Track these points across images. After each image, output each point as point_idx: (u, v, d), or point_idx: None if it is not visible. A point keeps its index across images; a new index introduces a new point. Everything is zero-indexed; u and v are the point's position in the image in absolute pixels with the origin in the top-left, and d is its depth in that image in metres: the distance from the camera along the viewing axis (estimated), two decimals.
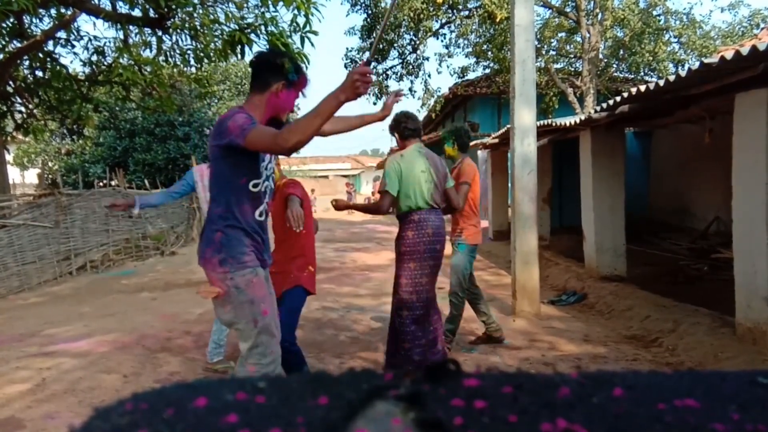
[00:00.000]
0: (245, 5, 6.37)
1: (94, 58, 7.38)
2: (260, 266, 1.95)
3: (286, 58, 1.90)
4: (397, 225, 2.99)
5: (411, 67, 13.03)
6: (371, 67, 1.63)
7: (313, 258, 2.83)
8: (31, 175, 19.29)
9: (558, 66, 12.55)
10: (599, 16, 10.68)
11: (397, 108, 2.67)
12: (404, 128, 3.01)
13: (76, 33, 7.39)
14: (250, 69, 1.96)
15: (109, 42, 7.40)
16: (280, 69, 1.87)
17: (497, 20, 10.06)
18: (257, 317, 1.88)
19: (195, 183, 3.31)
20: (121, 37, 6.67)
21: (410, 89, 13.61)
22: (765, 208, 3.16)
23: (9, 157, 15.00)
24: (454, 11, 11.98)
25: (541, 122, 6.27)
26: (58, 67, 7.22)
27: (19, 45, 6.75)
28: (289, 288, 2.68)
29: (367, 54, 1.94)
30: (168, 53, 6.81)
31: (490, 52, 12.18)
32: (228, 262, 1.84)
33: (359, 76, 1.56)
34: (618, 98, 4.55)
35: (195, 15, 5.98)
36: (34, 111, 8.27)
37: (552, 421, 0.21)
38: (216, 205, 1.88)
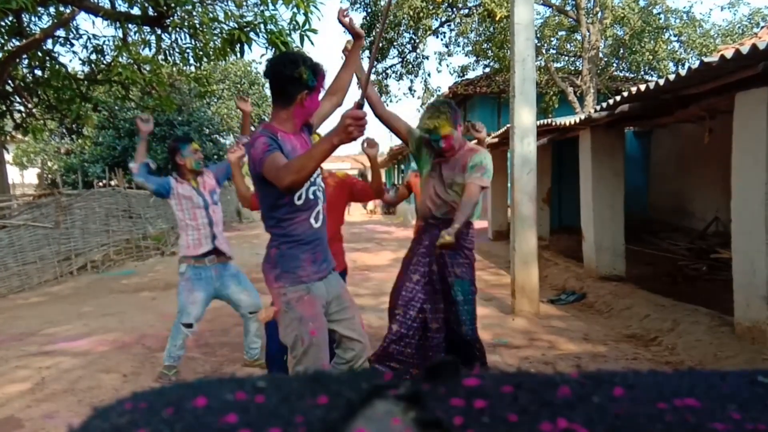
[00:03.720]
0: (244, 3, 6.36)
1: (93, 56, 7.37)
2: (318, 280, 1.91)
3: (302, 65, 1.82)
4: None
5: (411, 65, 13.02)
6: (363, 108, 1.49)
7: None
8: (31, 175, 19.29)
9: (558, 65, 12.54)
10: (599, 14, 10.68)
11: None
12: None
13: (75, 31, 7.37)
14: (267, 81, 1.90)
15: (108, 41, 7.39)
16: (300, 80, 1.81)
17: (497, 19, 10.05)
18: (304, 336, 1.84)
19: (171, 191, 3.09)
20: (120, 35, 6.65)
21: (410, 88, 13.61)
22: (764, 208, 3.16)
23: (8, 157, 14.98)
24: (454, 9, 11.97)
25: (541, 121, 6.27)
26: (57, 66, 7.20)
27: (18, 44, 6.73)
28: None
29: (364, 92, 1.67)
30: (167, 52, 6.80)
31: (490, 51, 12.17)
32: (283, 277, 1.85)
33: (352, 121, 1.45)
34: (618, 97, 4.55)
35: (194, 13, 5.97)
36: (33, 110, 8.26)
37: (552, 420, 0.21)
38: (269, 223, 1.89)
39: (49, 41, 7.00)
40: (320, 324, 1.90)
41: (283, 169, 1.64)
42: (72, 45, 7.51)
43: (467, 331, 2.56)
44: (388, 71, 13.23)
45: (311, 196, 1.91)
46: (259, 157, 1.71)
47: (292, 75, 1.80)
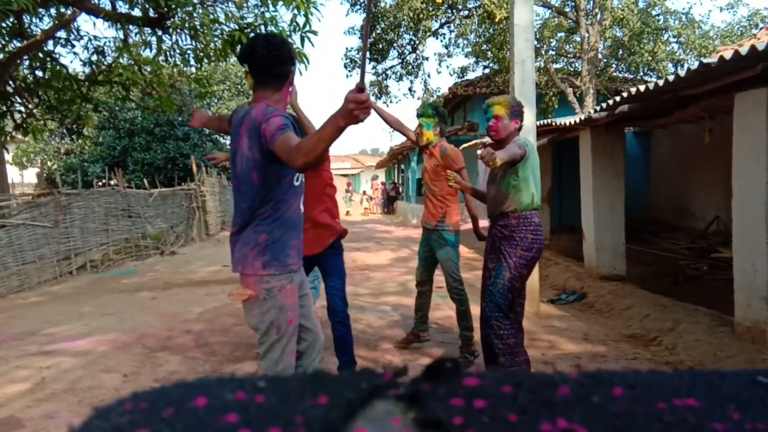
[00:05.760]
0: (245, 5, 6.37)
1: (94, 57, 7.37)
2: (299, 269, 1.93)
3: (289, 42, 1.89)
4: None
5: (411, 67, 13.03)
6: (365, 91, 1.49)
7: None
8: (30, 175, 19.29)
9: (557, 66, 12.56)
10: (598, 15, 10.68)
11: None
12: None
13: (76, 33, 7.38)
14: (258, 66, 1.84)
15: (109, 42, 7.39)
16: (294, 58, 1.86)
17: (496, 20, 10.06)
18: (281, 324, 1.85)
19: None
20: (121, 36, 6.66)
21: (410, 89, 13.62)
22: (765, 208, 3.16)
23: (8, 157, 14.99)
24: (454, 11, 11.98)
25: (541, 122, 6.27)
26: (58, 67, 7.20)
27: (18, 45, 6.74)
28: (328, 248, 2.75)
29: (360, 79, 1.70)
30: (168, 53, 6.81)
31: (489, 52, 12.18)
32: (272, 265, 1.82)
33: (355, 105, 1.46)
34: (617, 98, 4.55)
35: (195, 15, 5.97)
36: (34, 111, 8.26)
37: (552, 420, 0.21)
38: (260, 206, 1.82)
39: (50, 42, 7.01)
40: (296, 313, 1.91)
41: (294, 150, 1.61)
42: (73, 46, 7.52)
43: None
44: (388, 72, 13.25)
45: (303, 180, 1.94)
46: (272, 133, 1.68)
47: (289, 55, 1.84)
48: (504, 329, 2.63)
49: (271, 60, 1.82)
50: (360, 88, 1.49)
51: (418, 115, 3.24)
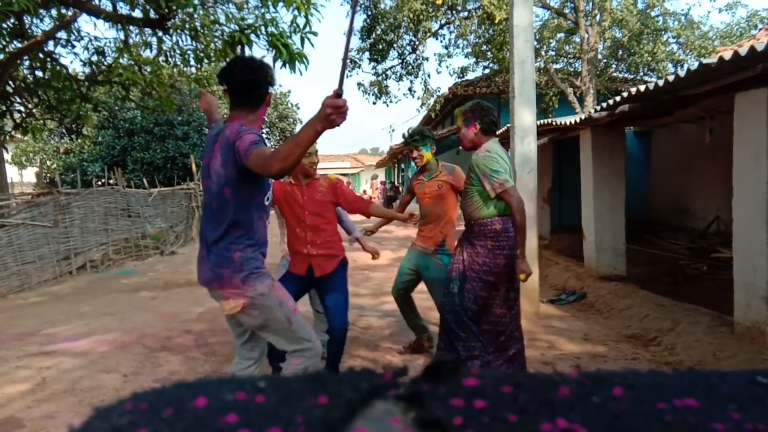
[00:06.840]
0: (245, 6, 6.37)
1: (95, 58, 7.37)
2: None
3: (268, 66, 1.95)
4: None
5: (411, 67, 13.04)
6: (342, 96, 1.54)
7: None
8: (30, 174, 19.30)
9: (557, 66, 12.55)
10: (598, 17, 10.69)
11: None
12: (490, 120, 2.60)
13: (76, 33, 7.37)
14: (236, 88, 1.89)
15: (110, 42, 7.39)
16: (272, 82, 1.94)
17: (496, 21, 10.06)
18: (290, 315, 1.96)
19: None
20: (122, 37, 6.66)
21: (410, 89, 13.62)
22: (765, 208, 3.16)
23: (7, 156, 14.99)
24: (453, 12, 11.98)
25: (541, 122, 6.28)
26: (58, 67, 7.20)
27: (19, 45, 6.74)
28: (337, 266, 2.83)
29: (339, 84, 1.79)
30: (168, 53, 6.80)
31: (489, 53, 12.18)
32: (251, 278, 1.90)
33: (332, 110, 1.52)
34: (618, 98, 4.56)
35: (195, 15, 5.97)
36: (34, 110, 8.25)
37: (552, 420, 0.21)
38: (232, 224, 1.86)
39: (51, 43, 7.01)
40: (293, 303, 2.02)
41: (269, 158, 1.66)
42: (73, 46, 7.51)
43: None
44: (388, 72, 13.25)
45: (272, 198, 2.05)
46: (246, 148, 1.73)
47: (266, 79, 1.92)
48: (471, 341, 2.56)
49: (248, 84, 1.90)
50: (337, 93, 1.56)
51: (411, 142, 3.22)
